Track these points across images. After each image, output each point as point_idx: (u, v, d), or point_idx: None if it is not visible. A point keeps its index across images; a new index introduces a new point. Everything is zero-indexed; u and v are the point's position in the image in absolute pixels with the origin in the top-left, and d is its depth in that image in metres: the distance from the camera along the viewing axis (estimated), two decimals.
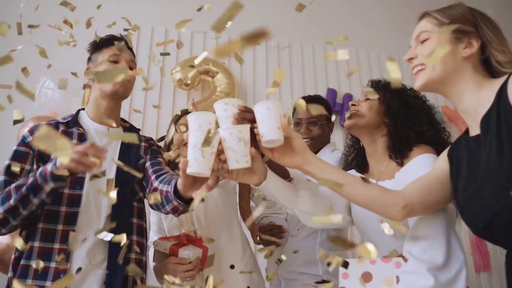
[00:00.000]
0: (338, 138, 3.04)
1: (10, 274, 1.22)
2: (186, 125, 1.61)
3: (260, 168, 1.04)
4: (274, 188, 1.08)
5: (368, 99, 1.30)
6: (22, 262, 1.20)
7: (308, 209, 1.15)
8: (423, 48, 1.00)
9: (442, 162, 1.06)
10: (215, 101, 2.75)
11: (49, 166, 1.12)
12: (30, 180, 1.15)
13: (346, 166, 1.41)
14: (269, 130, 0.96)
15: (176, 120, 1.71)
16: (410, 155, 1.20)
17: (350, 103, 1.33)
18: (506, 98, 0.85)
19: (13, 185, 1.17)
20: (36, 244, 1.21)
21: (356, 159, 1.37)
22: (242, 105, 1.02)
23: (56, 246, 1.20)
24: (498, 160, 0.83)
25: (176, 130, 1.62)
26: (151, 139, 1.51)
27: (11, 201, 1.15)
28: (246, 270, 1.58)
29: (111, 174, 1.32)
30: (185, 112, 1.69)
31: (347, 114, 1.29)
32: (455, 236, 1.06)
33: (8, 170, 1.23)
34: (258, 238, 1.72)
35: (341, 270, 1.13)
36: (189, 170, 0.92)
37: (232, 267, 1.57)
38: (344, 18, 3.57)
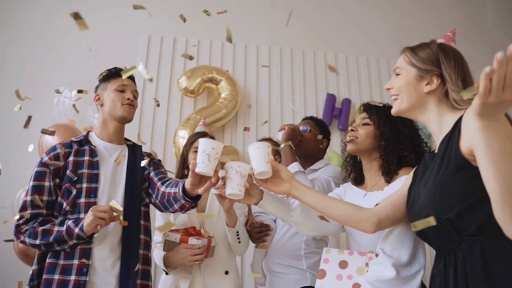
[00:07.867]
0: (337, 141, 3.20)
1: (34, 267, 1.43)
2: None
3: (256, 192, 1.29)
4: (270, 205, 1.32)
5: (364, 123, 1.48)
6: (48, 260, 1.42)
7: (300, 220, 1.37)
8: (396, 81, 1.17)
9: (408, 180, 1.22)
10: (219, 107, 2.95)
11: (75, 228, 1.37)
12: (56, 231, 1.38)
13: (345, 178, 1.63)
14: (260, 165, 1.21)
15: (192, 142, 1.93)
16: (397, 176, 1.39)
17: (349, 128, 1.52)
18: (459, 128, 1.00)
19: (40, 228, 1.41)
20: (60, 261, 1.42)
21: (354, 173, 1.57)
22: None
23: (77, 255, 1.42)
24: (436, 174, 1.02)
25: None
26: (151, 154, 1.76)
27: (37, 241, 1.39)
28: (236, 279, 1.85)
29: (121, 183, 1.55)
30: (201, 135, 1.92)
31: (347, 140, 1.49)
32: (422, 242, 1.24)
33: (32, 203, 1.45)
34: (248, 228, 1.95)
35: (324, 255, 1.31)
36: (197, 170, 1.18)
37: (226, 273, 1.82)
38: (344, 26, 3.72)
